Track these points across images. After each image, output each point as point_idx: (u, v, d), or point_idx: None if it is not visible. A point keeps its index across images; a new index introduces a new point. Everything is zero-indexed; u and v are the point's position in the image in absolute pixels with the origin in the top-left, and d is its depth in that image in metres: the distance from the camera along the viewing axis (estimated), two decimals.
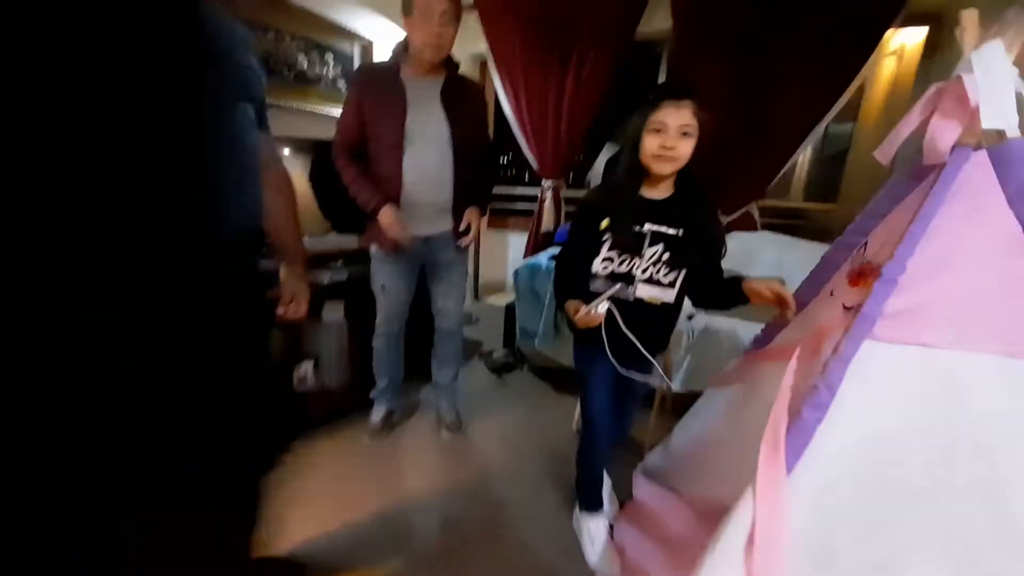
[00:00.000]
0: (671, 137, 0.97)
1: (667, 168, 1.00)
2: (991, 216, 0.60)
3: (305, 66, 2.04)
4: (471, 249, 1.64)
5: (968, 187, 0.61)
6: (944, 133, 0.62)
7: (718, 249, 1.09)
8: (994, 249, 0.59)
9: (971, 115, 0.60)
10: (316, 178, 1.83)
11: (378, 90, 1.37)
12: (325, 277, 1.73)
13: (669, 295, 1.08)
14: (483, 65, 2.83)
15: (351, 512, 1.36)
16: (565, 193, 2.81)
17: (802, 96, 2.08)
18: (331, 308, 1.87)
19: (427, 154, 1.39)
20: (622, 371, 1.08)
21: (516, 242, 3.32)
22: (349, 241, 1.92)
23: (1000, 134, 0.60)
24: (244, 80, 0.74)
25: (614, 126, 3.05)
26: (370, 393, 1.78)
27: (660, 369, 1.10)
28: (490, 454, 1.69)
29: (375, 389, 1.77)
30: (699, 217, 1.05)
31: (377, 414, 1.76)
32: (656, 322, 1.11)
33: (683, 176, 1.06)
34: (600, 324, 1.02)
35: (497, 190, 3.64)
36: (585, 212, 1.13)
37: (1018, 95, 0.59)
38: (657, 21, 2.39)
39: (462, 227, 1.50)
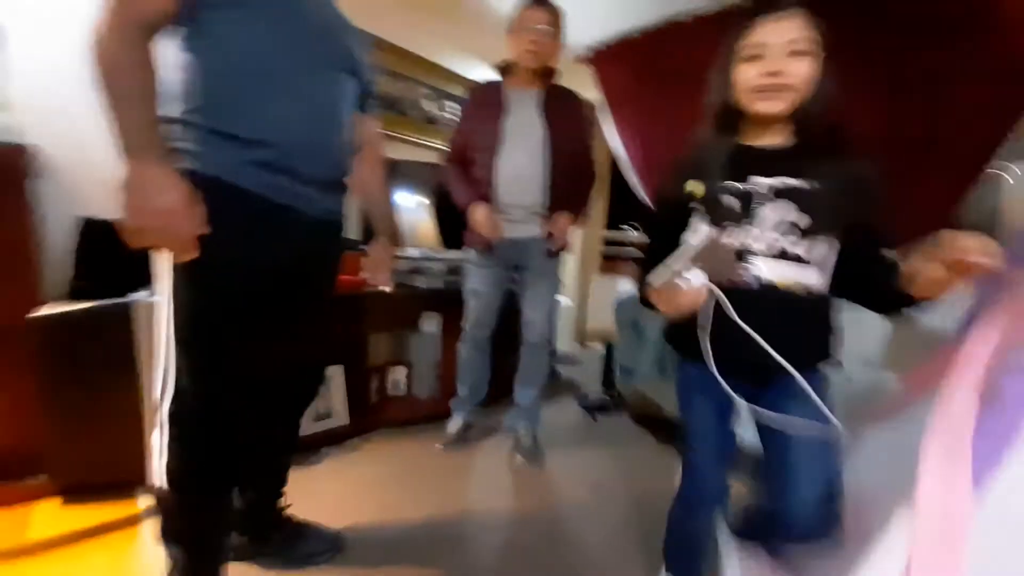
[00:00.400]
0: (776, 59, 0.69)
1: (776, 104, 0.71)
2: None
3: (431, 110, 2.35)
4: (578, 290, 1.66)
5: None
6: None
7: (877, 210, 0.74)
8: None
9: None
10: (434, 200, 2.02)
11: (482, 101, 1.50)
12: (422, 282, 1.83)
13: (812, 276, 0.72)
14: (593, 109, 2.91)
15: (407, 511, 1.30)
16: None
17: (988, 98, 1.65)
18: (428, 319, 1.96)
19: (520, 157, 1.43)
20: (740, 401, 0.72)
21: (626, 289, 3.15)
22: (454, 255, 2.03)
23: None
24: (353, 63, 0.88)
25: None
26: (449, 401, 1.75)
27: (818, 401, 0.65)
28: (566, 490, 1.48)
29: (455, 397, 1.73)
30: (842, 165, 0.72)
31: (454, 424, 1.71)
32: (800, 323, 0.72)
33: (807, 122, 0.73)
34: (700, 320, 0.69)
35: (609, 236, 3.65)
36: (670, 179, 0.84)
37: None
38: None
39: (552, 230, 1.48)
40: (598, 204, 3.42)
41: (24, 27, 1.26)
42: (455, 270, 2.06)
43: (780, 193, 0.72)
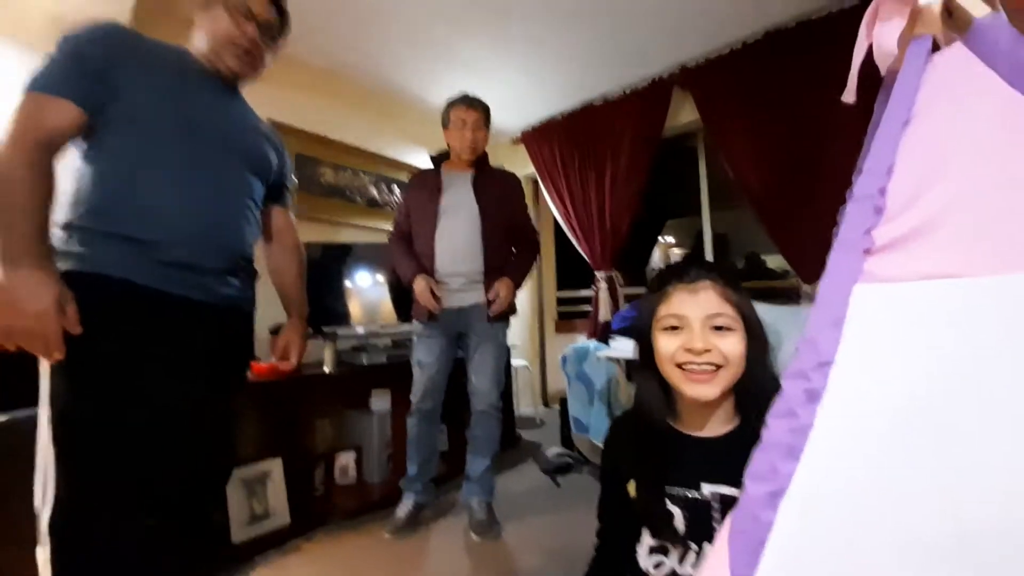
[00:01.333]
0: (697, 335, 0.64)
1: (705, 389, 0.64)
2: (993, 101, 0.45)
3: (375, 194, 2.49)
4: (536, 351, 1.67)
5: (950, 83, 0.49)
6: (887, 30, 0.53)
7: None
8: (1004, 141, 0.43)
9: (910, 2, 0.51)
10: (388, 277, 2.08)
11: (421, 184, 1.64)
12: (363, 358, 1.81)
13: None
14: (535, 183, 3.17)
15: None
16: (624, 291, 2.76)
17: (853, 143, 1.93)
18: (378, 396, 1.91)
19: (455, 231, 1.55)
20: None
21: None
22: (400, 328, 2.04)
23: (953, 18, 0.49)
24: (258, 165, 0.97)
25: (660, 218, 3.09)
26: (399, 482, 1.66)
27: None
28: (524, 561, 1.39)
29: (404, 478, 1.64)
30: None
31: (404, 507, 1.60)
32: None
33: (750, 391, 0.65)
34: None
35: (561, 294, 3.78)
36: (606, 464, 0.78)
37: None
38: (685, 114, 2.53)
39: (490, 295, 1.54)
40: (548, 265, 3.58)
41: None
42: (402, 343, 2.07)
43: (729, 504, 0.61)
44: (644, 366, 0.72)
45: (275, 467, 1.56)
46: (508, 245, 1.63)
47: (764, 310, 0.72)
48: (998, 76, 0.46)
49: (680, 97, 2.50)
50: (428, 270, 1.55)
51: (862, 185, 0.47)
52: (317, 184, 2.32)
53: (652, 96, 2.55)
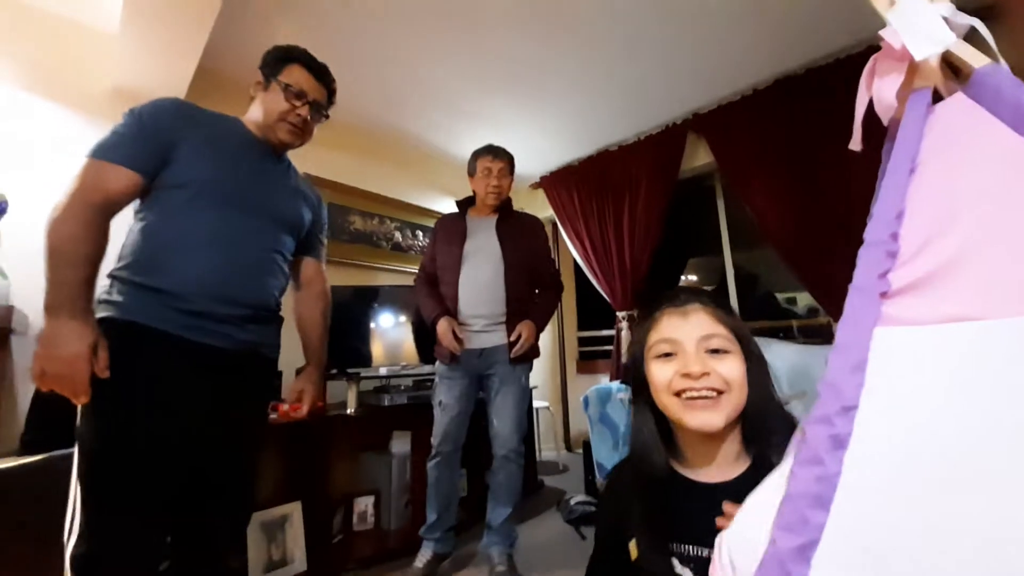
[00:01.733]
0: (692, 358, 0.60)
1: (710, 417, 0.58)
2: (1000, 147, 0.47)
3: (400, 239, 2.59)
4: (559, 394, 1.64)
5: (955, 131, 0.50)
6: (885, 84, 0.55)
7: None
8: (1014, 186, 0.44)
9: (907, 58, 0.53)
10: (412, 319, 2.13)
11: (448, 228, 1.70)
12: (385, 399, 1.82)
13: None
14: (554, 225, 3.24)
15: None
16: None
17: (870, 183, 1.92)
18: (398, 439, 1.90)
19: (479, 274, 1.59)
20: None
21: None
22: (422, 369, 2.05)
23: (955, 72, 0.51)
24: (290, 222, 1.05)
25: (682, 256, 3.09)
26: (419, 531, 1.61)
27: None
28: None
29: (424, 526, 1.59)
30: None
31: (422, 557, 1.55)
32: None
33: (756, 421, 0.60)
34: None
35: (583, 334, 3.74)
36: (602, 521, 0.71)
37: (959, 25, 0.52)
38: (700, 157, 2.58)
39: (512, 337, 1.55)
40: (569, 305, 3.58)
41: (22, 195, 1.46)
42: (423, 384, 2.07)
43: None
44: (639, 403, 0.66)
45: (295, 511, 1.55)
46: (531, 287, 1.66)
47: (793, 351, 0.70)
48: (1002, 123, 0.48)
49: (695, 140, 2.57)
50: (452, 311, 1.58)
51: (872, 231, 0.48)
52: (347, 231, 2.44)
53: (666, 141, 2.63)
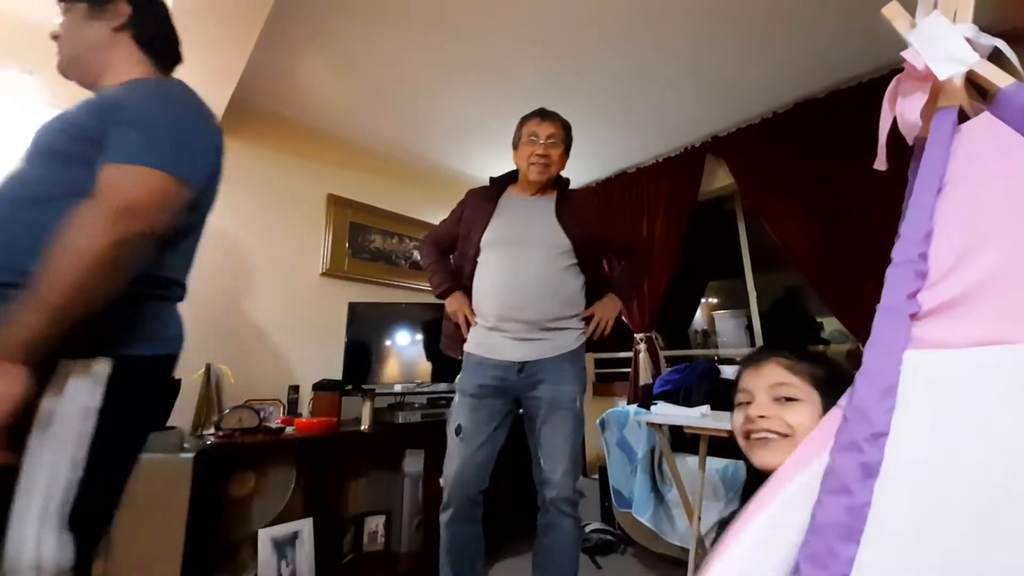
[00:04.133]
0: (757, 404, 0.67)
1: (770, 456, 0.64)
2: None
3: (417, 257, 2.63)
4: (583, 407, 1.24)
5: (983, 150, 0.49)
6: (909, 104, 0.54)
7: None
8: None
9: (930, 78, 0.53)
10: (425, 339, 2.14)
11: (479, 202, 1.39)
12: (399, 416, 1.81)
13: None
14: None
15: None
16: (665, 353, 2.68)
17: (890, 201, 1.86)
18: (411, 457, 1.89)
19: (525, 265, 1.26)
20: None
21: None
22: (438, 387, 2.05)
23: (979, 91, 0.50)
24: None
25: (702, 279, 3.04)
26: None
27: None
28: None
29: None
30: None
31: None
32: None
33: None
34: None
35: (600, 356, 3.68)
36: None
37: (982, 47, 0.51)
38: (720, 179, 2.57)
39: (585, 315, 1.29)
40: None
41: None
42: (437, 401, 2.07)
43: None
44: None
45: (306, 527, 1.54)
46: (600, 271, 1.38)
47: None
48: None
49: (714, 163, 2.56)
50: (467, 292, 1.34)
51: (900, 251, 0.47)
52: (367, 249, 2.50)
53: (685, 164, 2.63)
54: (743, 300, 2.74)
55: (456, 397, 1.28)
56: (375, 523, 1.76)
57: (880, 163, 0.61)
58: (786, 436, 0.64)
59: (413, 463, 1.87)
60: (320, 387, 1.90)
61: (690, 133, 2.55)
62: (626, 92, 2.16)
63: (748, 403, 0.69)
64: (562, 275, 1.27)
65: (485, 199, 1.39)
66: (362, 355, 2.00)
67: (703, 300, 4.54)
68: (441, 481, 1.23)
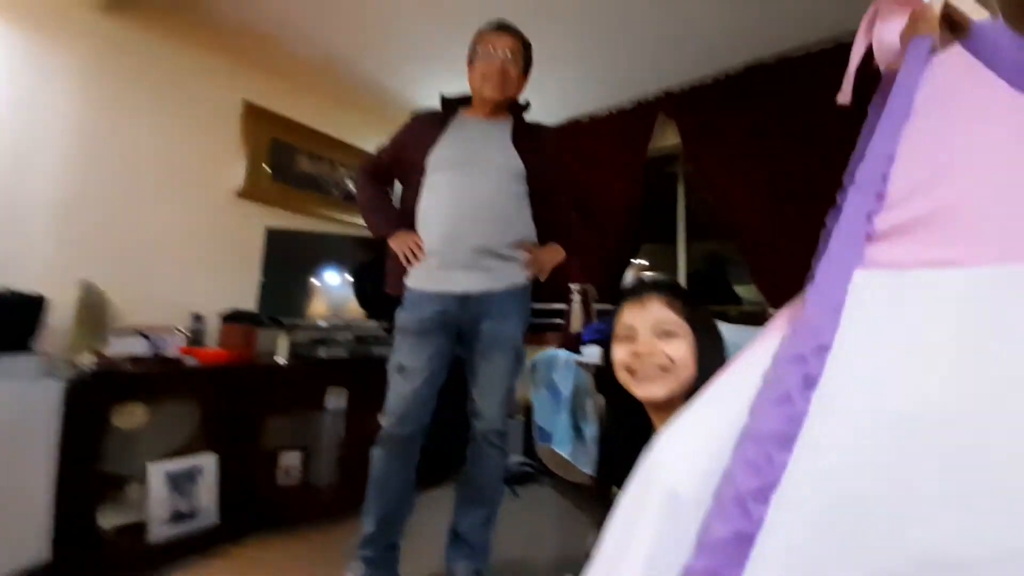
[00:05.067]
0: (642, 340, 0.71)
1: (653, 388, 0.69)
2: (996, 101, 0.45)
3: (351, 187, 2.40)
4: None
5: (953, 82, 0.49)
6: (888, 28, 0.53)
7: None
8: (1010, 138, 0.43)
9: (910, 3, 0.51)
10: (356, 274, 1.98)
11: (426, 124, 1.27)
12: (321, 351, 1.70)
13: None
14: None
15: None
16: (597, 306, 2.76)
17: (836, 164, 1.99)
18: (334, 394, 1.80)
19: (476, 187, 1.17)
20: None
21: None
22: (367, 324, 1.94)
23: (952, 28, 0.50)
24: None
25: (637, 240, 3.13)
26: (344, 550, 1.23)
27: None
28: None
29: (360, 535, 1.17)
30: None
31: None
32: None
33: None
34: None
35: (534, 306, 3.74)
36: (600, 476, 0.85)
37: None
38: (667, 139, 2.59)
39: (525, 262, 1.21)
40: None
41: None
42: (366, 340, 1.97)
43: None
44: (611, 383, 0.77)
45: (209, 463, 1.42)
46: (551, 214, 1.29)
47: (728, 331, 0.77)
48: (999, 77, 0.46)
49: (664, 122, 2.56)
50: (411, 228, 1.23)
51: (865, 170, 0.46)
52: (293, 173, 2.23)
53: (637, 118, 2.60)
54: (672, 266, 2.87)
55: (397, 335, 1.21)
56: (292, 458, 1.68)
57: (844, 96, 0.60)
58: (667, 370, 0.70)
59: (336, 400, 1.79)
60: (231, 318, 1.71)
61: (644, 86, 2.51)
62: (587, 34, 2.05)
63: (631, 338, 0.73)
64: (514, 202, 1.21)
65: (433, 121, 1.27)
66: (281, 287, 1.82)
67: (632, 261, 4.73)
68: (380, 418, 1.18)
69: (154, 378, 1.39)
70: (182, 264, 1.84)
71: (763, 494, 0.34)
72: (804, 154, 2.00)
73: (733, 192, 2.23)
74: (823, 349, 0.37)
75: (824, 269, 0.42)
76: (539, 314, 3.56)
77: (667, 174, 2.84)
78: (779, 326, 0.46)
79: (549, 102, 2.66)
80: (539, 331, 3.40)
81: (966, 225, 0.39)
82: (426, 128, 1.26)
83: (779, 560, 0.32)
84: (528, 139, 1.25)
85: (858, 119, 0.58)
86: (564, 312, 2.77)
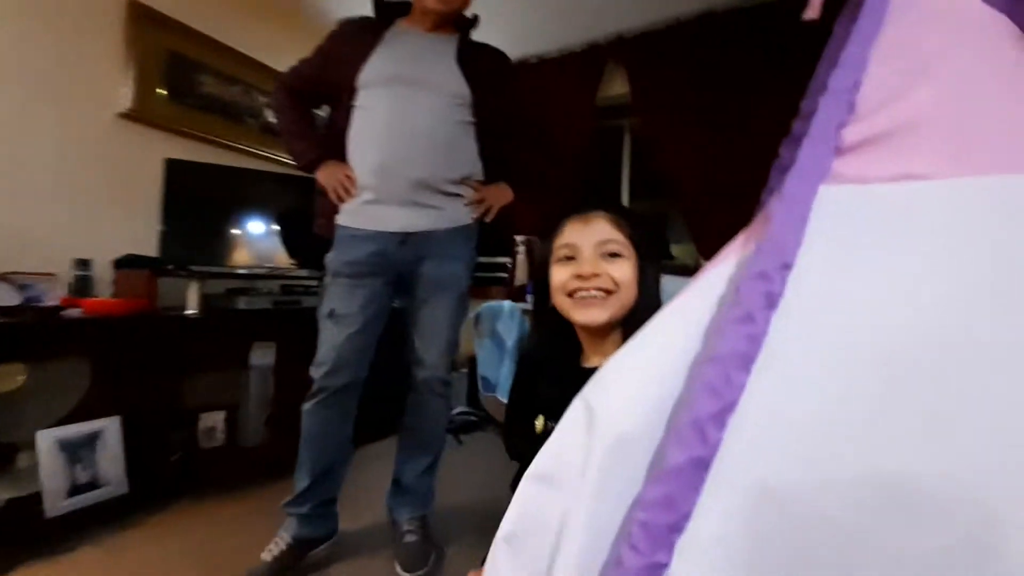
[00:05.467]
0: (587, 261, 0.65)
1: (595, 313, 0.65)
2: (967, 17, 0.44)
3: (270, 117, 2.11)
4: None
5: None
6: None
7: None
8: (980, 51, 0.42)
9: None
10: (283, 216, 1.76)
11: (356, 33, 1.10)
12: (241, 302, 1.54)
13: None
14: None
15: None
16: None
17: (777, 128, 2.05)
18: (260, 351, 1.65)
19: (415, 111, 1.02)
20: None
21: None
22: (296, 273, 1.78)
23: None
24: None
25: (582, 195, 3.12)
26: (281, 503, 1.10)
27: None
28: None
29: (289, 496, 1.09)
30: None
31: (277, 543, 1.06)
32: None
33: (639, 319, 0.66)
34: None
35: (479, 260, 3.68)
36: (513, 398, 0.79)
37: None
38: (615, 88, 2.52)
39: (469, 200, 1.10)
40: None
41: None
42: (294, 289, 1.80)
43: None
44: (542, 305, 0.72)
45: (110, 427, 1.26)
46: (501, 148, 1.18)
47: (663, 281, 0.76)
48: None
49: (613, 70, 2.48)
50: (340, 156, 1.09)
51: (837, 78, 0.43)
52: (196, 94, 1.90)
53: (587, 62, 2.50)
54: None
55: (327, 279, 1.09)
56: (213, 419, 1.53)
57: (813, 10, 0.56)
58: (610, 292, 0.65)
59: (263, 355, 1.64)
60: (124, 263, 1.47)
61: (597, 28, 2.40)
62: None
63: (573, 259, 0.67)
64: (459, 130, 1.08)
65: (365, 30, 1.10)
66: (190, 230, 1.59)
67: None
68: (311, 369, 1.08)
69: (30, 331, 1.17)
70: (59, 201, 1.53)
71: (720, 418, 0.32)
72: (749, 113, 2.03)
73: (677, 148, 2.25)
74: (786, 267, 0.35)
75: (792, 182, 0.40)
76: (483, 267, 3.52)
77: (614, 128, 2.80)
78: (734, 250, 0.44)
79: (496, 38, 2.44)
80: (483, 284, 3.38)
81: (932, 137, 0.38)
82: (357, 38, 1.09)
83: (735, 484, 0.31)
84: (476, 60, 1.11)
85: (806, 75, 0.55)
86: (508, 266, 2.73)
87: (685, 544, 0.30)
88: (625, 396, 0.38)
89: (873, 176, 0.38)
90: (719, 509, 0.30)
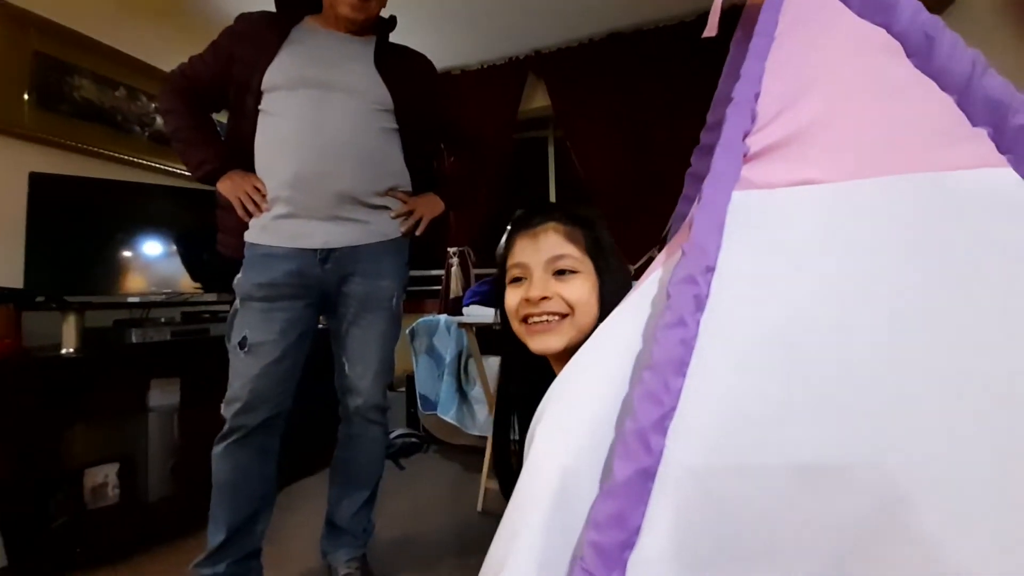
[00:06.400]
0: (535, 283, 0.59)
1: (550, 340, 0.59)
2: (848, 30, 0.49)
3: (162, 125, 1.90)
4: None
5: (809, 11, 0.52)
6: None
7: None
8: (861, 63, 0.47)
9: None
10: (182, 236, 1.57)
11: (258, 31, 0.99)
12: (133, 335, 1.34)
13: None
14: None
15: None
16: (476, 271, 2.71)
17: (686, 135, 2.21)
18: (161, 390, 1.45)
19: (334, 119, 0.95)
20: None
21: None
22: (201, 297, 1.60)
23: None
24: None
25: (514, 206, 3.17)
26: (189, 566, 0.97)
27: None
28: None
29: (202, 554, 0.96)
30: None
31: None
32: None
33: None
34: None
35: (412, 274, 3.56)
36: (499, 440, 0.73)
37: None
38: (537, 101, 2.60)
39: (398, 212, 1.04)
40: None
41: None
42: (198, 317, 1.62)
43: None
44: (505, 331, 0.65)
45: None
46: (428, 156, 1.14)
47: None
48: (850, 10, 0.51)
49: (534, 83, 2.56)
50: (247, 167, 1.00)
51: (740, 90, 0.47)
52: (70, 101, 1.65)
53: (508, 74, 2.56)
54: None
55: (236, 304, 0.98)
56: (102, 474, 1.31)
57: (711, 28, 0.60)
58: (564, 316, 0.59)
59: (164, 395, 1.44)
60: None
61: (516, 43, 2.46)
62: None
63: (524, 279, 0.61)
64: (382, 138, 1.01)
65: (268, 27, 1.00)
66: (66, 255, 1.37)
67: (508, 228, 4.82)
68: (223, 407, 0.95)
69: None
70: None
71: (661, 424, 0.33)
72: (658, 123, 2.18)
73: (598, 158, 2.35)
74: (710, 270, 0.37)
75: (709, 188, 0.42)
76: (416, 281, 3.41)
77: (539, 139, 2.87)
78: (661, 260, 0.46)
79: (420, 49, 2.43)
80: (416, 299, 3.27)
81: (824, 144, 0.42)
82: (259, 36, 0.99)
83: (677, 491, 0.31)
84: (397, 64, 1.05)
85: (704, 88, 0.58)
86: (442, 278, 2.67)
87: (637, 560, 0.30)
88: (565, 427, 0.39)
89: (777, 181, 0.41)
90: (666, 518, 0.30)
